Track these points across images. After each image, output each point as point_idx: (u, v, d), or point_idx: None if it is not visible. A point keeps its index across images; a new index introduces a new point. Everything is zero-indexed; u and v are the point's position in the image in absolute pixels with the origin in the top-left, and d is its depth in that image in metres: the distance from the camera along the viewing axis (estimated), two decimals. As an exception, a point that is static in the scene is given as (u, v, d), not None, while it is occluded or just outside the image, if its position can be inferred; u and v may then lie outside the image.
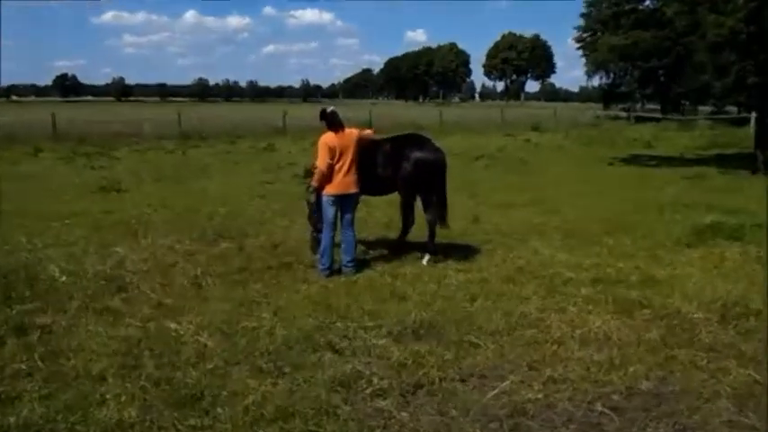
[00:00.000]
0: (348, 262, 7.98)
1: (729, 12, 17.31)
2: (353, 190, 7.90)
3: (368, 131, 8.60)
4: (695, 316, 6.38)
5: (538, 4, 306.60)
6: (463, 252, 9.03)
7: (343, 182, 7.77)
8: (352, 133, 7.89)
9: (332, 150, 7.69)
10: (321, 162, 7.73)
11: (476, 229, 10.63)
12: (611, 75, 31.50)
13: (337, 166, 7.72)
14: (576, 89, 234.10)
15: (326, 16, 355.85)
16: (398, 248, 8.95)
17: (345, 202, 7.92)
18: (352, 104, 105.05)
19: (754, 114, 27.22)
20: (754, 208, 12.24)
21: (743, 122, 36.99)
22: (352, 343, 5.72)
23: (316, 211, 8.29)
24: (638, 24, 21.61)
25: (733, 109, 42.87)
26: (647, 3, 22.59)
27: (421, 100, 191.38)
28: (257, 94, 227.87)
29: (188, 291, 7.24)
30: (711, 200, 13.50)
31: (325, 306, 6.65)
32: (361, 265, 8.20)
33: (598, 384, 5.01)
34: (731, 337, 5.93)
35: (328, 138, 7.75)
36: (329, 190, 7.81)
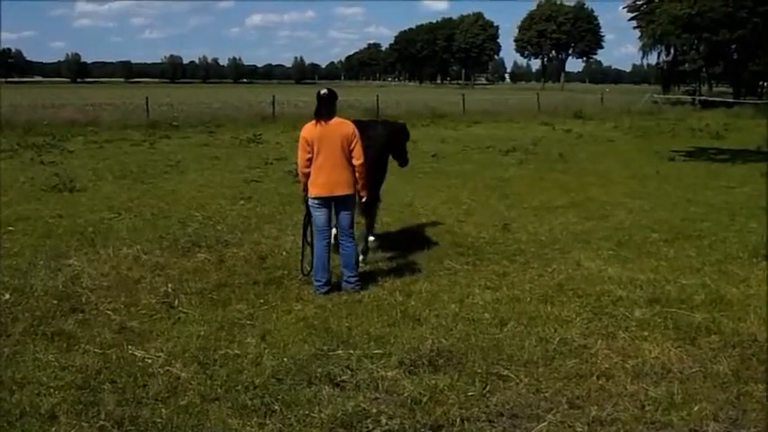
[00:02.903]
0: (349, 277, 8.02)
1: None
2: (342, 192, 7.83)
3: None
4: (774, 344, 6.36)
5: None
6: (491, 265, 9.04)
7: (327, 182, 7.75)
8: (341, 125, 7.80)
9: (308, 143, 7.75)
10: (298, 157, 7.91)
11: (506, 237, 10.64)
12: (672, 51, 31.44)
13: (317, 163, 7.74)
14: (627, 68, 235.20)
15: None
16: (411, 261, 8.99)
17: (337, 207, 7.94)
18: (355, 87, 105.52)
19: None
20: None
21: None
22: (355, 375, 5.72)
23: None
24: (706, -11, 21.60)
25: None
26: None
27: (439, 81, 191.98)
28: (241, 74, 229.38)
29: (157, 311, 7.26)
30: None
31: (322, 330, 6.67)
32: (365, 280, 8.23)
33: (655, 426, 5.00)
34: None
35: (306, 128, 7.85)
36: (311, 191, 7.87)
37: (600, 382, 5.61)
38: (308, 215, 8.11)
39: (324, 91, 7.88)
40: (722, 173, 18.51)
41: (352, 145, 7.75)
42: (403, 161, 10.57)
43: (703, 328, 6.70)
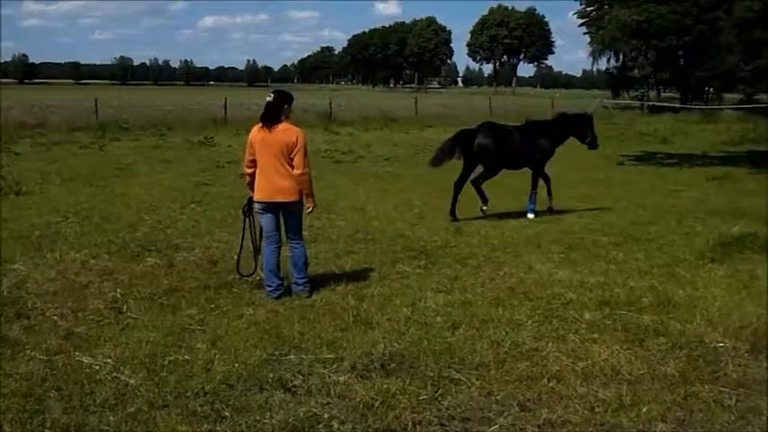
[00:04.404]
0: (298, 279, 7.95)
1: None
2: (282, 198, 7.73)
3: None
4: (720, 345, 6.46)
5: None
6: (443, 269, 9.07)
7: (268, 188, 7.70)
8: (285, 132, 7.65)
9: (251, 145, 7.75)
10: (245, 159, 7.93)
11: (458, 241, 10.68)
12: (621, 56, 32.00)
13: (259, 167, 7.72)
14: (578, 73, 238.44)
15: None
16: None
17: (282, 213, 7.88)
18: (308, 90, 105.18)
19: (790, 104, 27.81)
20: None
21: (777, 113, 37.77)
22: (307, 380, 5.68)
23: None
24: (654, -4, 21.97)
25: (766, 97, 43.81)
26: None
27: (392, 85, 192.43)
28: (192, 76, 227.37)
29: (105, 317, 7.14)
30: (740, 206, 13.76)
31: (274, 335, 6.61)
32: (318, 284, 8.19)
33: (605, 428, 5.04)
34: (764, 370, 6.01)
35: (253, 129, 7.86)
36: (255, 195, 7.88)
37: (551, 385, 5.64)
38: (245, 215, 8.19)
39: (269, 98, 7.81)
40: (670, 177, 18.85)
41: (293, 153, 7.61)
42: (591, 145, 13.59)
43: (651, 330, 6.78)
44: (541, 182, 13.23)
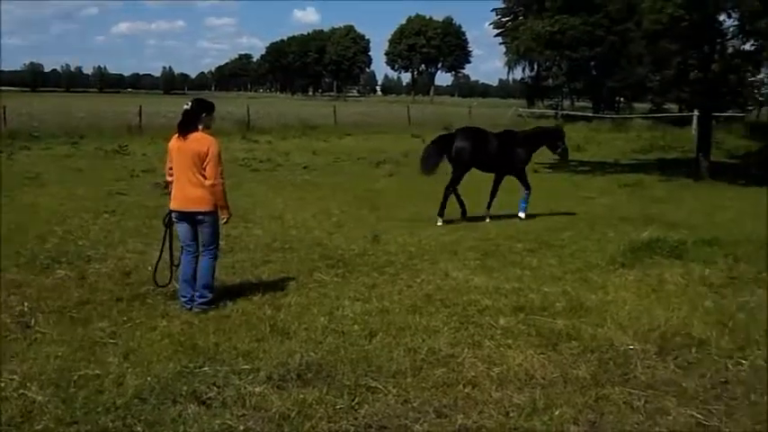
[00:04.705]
0: (195, 293, 7.74)
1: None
2: (194, 208, 7.60)
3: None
4: (630, 348, 6.64)
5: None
6: (360, 277, 9.08)
7: (181, 197, 7.61)
8: (198, 142, 7.51)
9: (170, 153, 7.69)
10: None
11: (376, 249, 10.72)
12: (536, 66, 32.62)
13: (175, 176, 7.63)
14: (494, 83, 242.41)
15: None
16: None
17: (197, 222, 7.74)
18: (225, 98, 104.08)
19: (696, 113, 28.83)
20: (697, 221, 12.95)
21: (684, 122, 39.22)
22: (222, 392, 5.62)
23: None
24: (566, 8, 22.50)
25: (673, 107, 45.33)
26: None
27: (311, 93, 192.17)
28: (107, 83, 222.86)
29: (12, 332, 6.92)
30: (650, 212, 14.19)
31: (189, 347, 6.51)
32: (235, 294, 8.12)
33: (519, 432, 5.13)
34: (671, 371, 6.20)
35: (171, 139, 7.75)
36: (171, 204, 7.78)
37: (466, 391, 5.70)
38: (166, 225, 8.04)
39: (186, 105, 7.70)
40: (583, 184, 19.33)
41: (205, 163, 7.46)
42: (562, 156, 14.89)
43: (564, 335, 6.93)
44: (512, 190, 14.28)
